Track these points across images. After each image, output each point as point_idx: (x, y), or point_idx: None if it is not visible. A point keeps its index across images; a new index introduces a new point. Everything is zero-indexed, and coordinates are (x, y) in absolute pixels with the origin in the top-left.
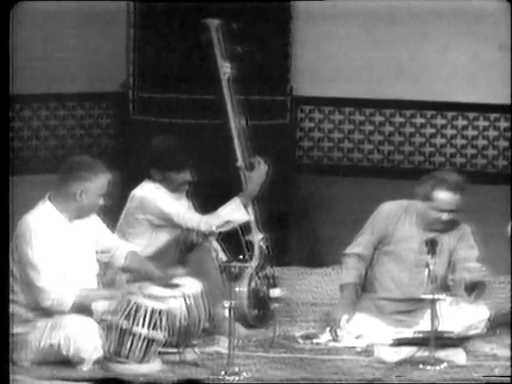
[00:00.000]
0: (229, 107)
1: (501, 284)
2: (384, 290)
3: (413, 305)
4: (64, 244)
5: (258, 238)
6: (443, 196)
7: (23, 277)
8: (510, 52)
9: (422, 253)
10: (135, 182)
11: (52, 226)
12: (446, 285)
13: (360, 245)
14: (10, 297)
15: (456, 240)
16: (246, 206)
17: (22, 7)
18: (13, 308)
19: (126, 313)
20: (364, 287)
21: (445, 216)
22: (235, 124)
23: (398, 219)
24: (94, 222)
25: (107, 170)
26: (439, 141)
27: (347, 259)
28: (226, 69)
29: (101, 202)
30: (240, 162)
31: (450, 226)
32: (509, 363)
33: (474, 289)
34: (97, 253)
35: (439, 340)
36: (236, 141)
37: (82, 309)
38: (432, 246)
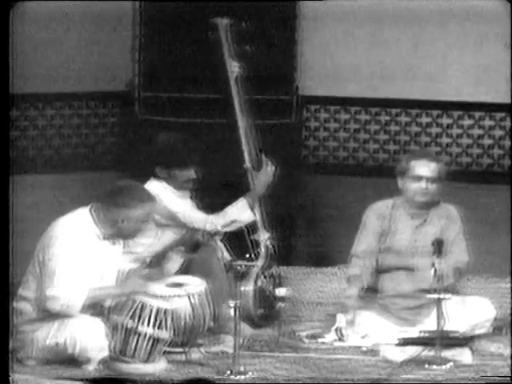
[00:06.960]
0: (237, 107)
1: (507, 284)
2: (387, 287)
3: (418, 300)
4: (89, 259)
5: (264, 237)
6: (418, 163)
7: (39, 277)
8: (510, 52)
9: (415, 241)
10: (140, 181)
11: (83, 239)
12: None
13: (363, 243)
14: (22, 293)
15: (444, 219)
16: (252, 207)
17: (22, 7)
18: (21, 304)
19: (131, 312)
20: (369, 287)
21: (423, 184)
22: (243, 124)
23: (388, 217)
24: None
25: (153, 197)
26: (445, 140)
27: (355, 258)
28: (234, 68)
29: (142, 227)
30: (247, 162)
31: (433, 197)
32: None
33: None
34: None
35: (445, 339)
36: (243, 141)
37: (92, 307)
38: (438, 245)
